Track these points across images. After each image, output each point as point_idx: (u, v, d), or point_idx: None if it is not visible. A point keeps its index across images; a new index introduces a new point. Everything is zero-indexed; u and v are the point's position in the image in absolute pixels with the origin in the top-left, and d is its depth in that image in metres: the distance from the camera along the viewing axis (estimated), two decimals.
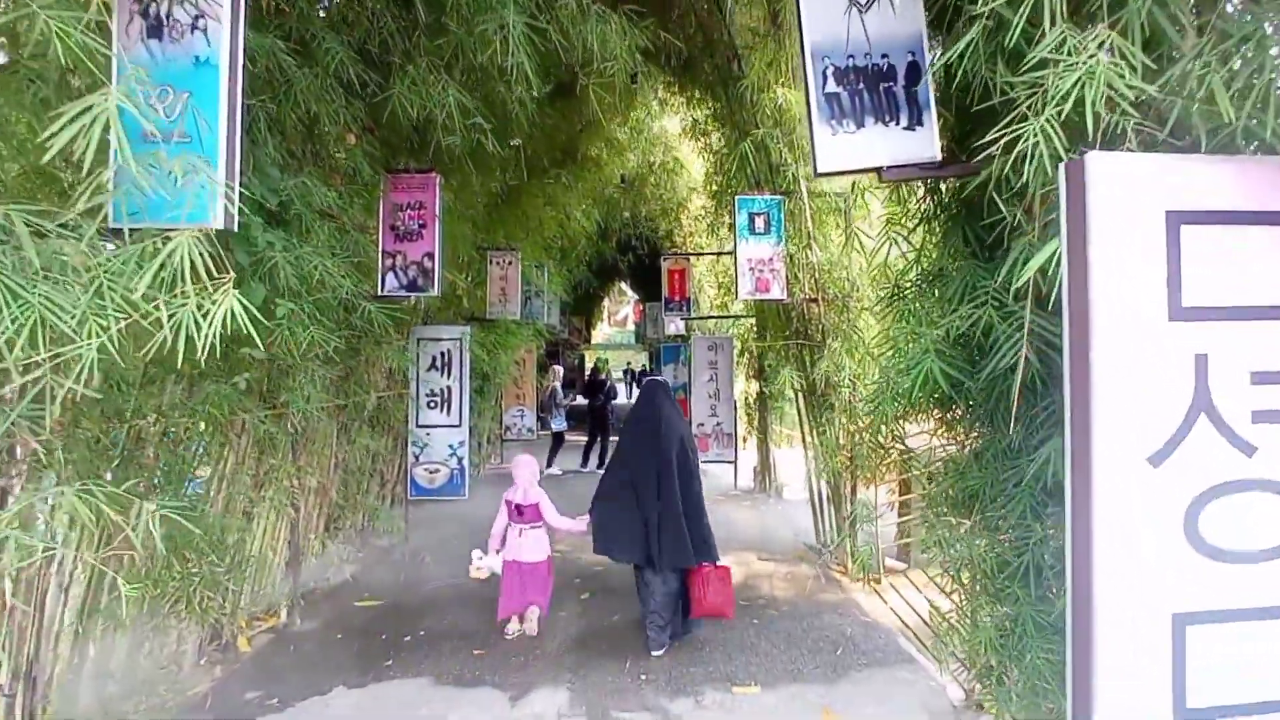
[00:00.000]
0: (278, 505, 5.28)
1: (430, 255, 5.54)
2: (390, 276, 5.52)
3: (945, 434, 3.35)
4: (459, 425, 7.83)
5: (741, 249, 6.57)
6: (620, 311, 50.25)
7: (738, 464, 10.95)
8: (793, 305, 7.08)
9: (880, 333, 4.32)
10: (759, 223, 6.55)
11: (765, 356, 10.02)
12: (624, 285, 36.12)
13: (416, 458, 7.80)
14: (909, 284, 3.37)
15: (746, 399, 11.76)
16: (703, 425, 10.82)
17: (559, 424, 12.98)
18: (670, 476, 5.02)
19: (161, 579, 3.81)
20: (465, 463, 7.85)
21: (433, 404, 7.81)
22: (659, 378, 6.14)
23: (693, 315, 11.67)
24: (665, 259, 11.31)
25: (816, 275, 6.68)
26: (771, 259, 6.56)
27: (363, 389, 6.43)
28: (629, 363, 31.10)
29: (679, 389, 16.09)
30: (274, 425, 4.74)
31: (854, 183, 6.71)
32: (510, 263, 9.93)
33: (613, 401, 14.20)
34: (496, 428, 13.95)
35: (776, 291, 6.57)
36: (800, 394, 7.52)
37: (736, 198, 6.59)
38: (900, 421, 3.46)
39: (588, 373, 22.90)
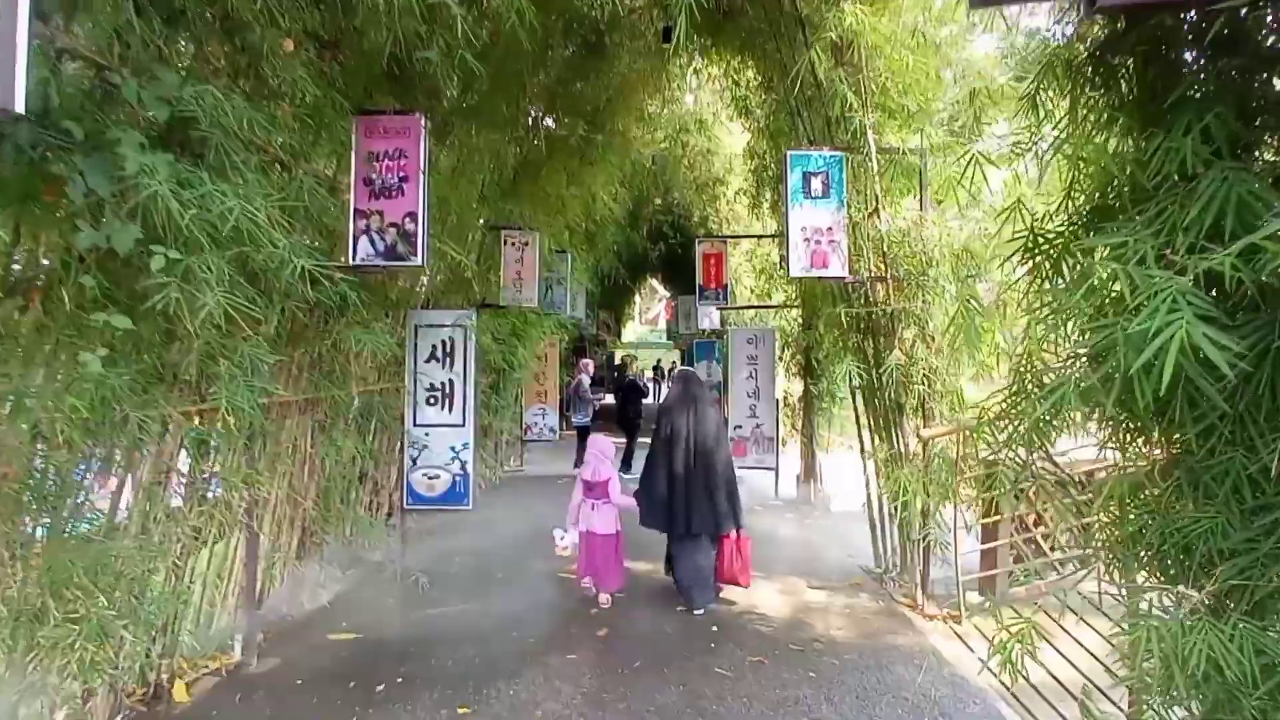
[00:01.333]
0: (227, 522, 4.28)
1: (413, 216, 4.51)
2: (364, 242, 4.51)
3: (1133, 445, 2.22)
4: (463, 425, 6.81)
5: (794, 216, 5.46)
6: (651, 309, 49.32)
7: (779, 470, 9.81)
8: (854, 286, 5.96)
9: (1016, 302, 3.21)
10: (815, 184, 5.44)
11: (814, 350, 8.89)
12: (655, 282, 35.21)
13: (414, 461, 6.80)
14: (1071, 223, 2.26)
15: (788, 399, 10.64)
16: (740, 428, 9.71)
17: (581, 419, 12.01)
18: (705, 453, 5.75)
19: (23, 629, 2.82)
20: (470, 468, 6.83)
21: (432, 400, 6.80)
22: (689, 368, 6.87)
23: (730, 305, 10.53)
24: (700, 243, 10.20)
25: (885, 249, 5.56)
26: (830, 228, 5.44)
27: (342, 381, 5.43)
28: (659, 360, 29.94)
29: (714, 388, 15.08)
30: (206, 424, 3.73)
31: (932, 136, 5.63)
32: (527, 244, 8.90)
33: (643, 399, 13.17)
34: (516, 428, 12.97)
35: (836, 267, 5.46)
36: (860, 392, 6.37)
37: (789, 153, 5.47)
38: (1051, 431, 2.32)
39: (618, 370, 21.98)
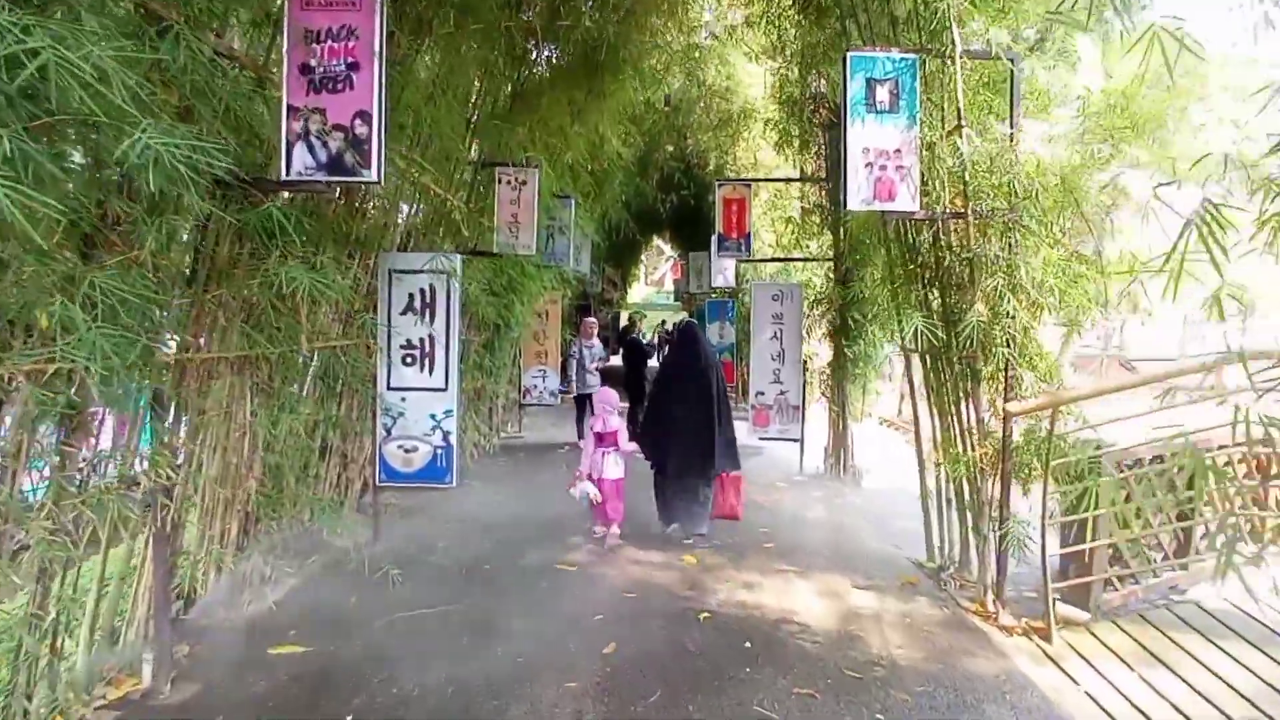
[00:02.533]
0: (118, 507, 3.27)
1: (365, 117, 3.43)
2: (301, 150, 3.43)
3: None
4: (445, 389, 5.79)
5: (854, 135, 4.36)
6: (658, 270, 48.03)
7: (804, 442, 8.80)
8: (921, 225, 4.89)
9: None
10: (881, 95, 4.33)
11: (850, 308, 7.81)
12: (661, 243, 33.85)
13: (388, 431, 5.79)
14: None
15: (809, 362, 9.59)
16: (762, 395, 8.70)
17: (583, 388, 10.71)
18: (707, 402, 6.01)
19: None
20: (454, 439, 5.83)
21: (409, 359, 5.77)
22: (692, 320, 7.34)
23: (753, 257, 9.43)
24: (721, 186, 9.05)
25: (967, 177, 4.46)
26: (899, 150, 4.35)
27: (290, 335, 4.38)
28: (662, 321, 28.79)
29: (724, 350, 14.09)
30: (62, 386, 2.70)
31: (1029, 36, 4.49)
32: (525, 183, 7.80)
33: (646, 360, 12.05)
34: (514, 391, 11.95)
35: (905, 199, 4.37)
36: (923, 356, 5.31)
37: (849, 55, 4.35)
38: None
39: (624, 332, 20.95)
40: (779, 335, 8.63)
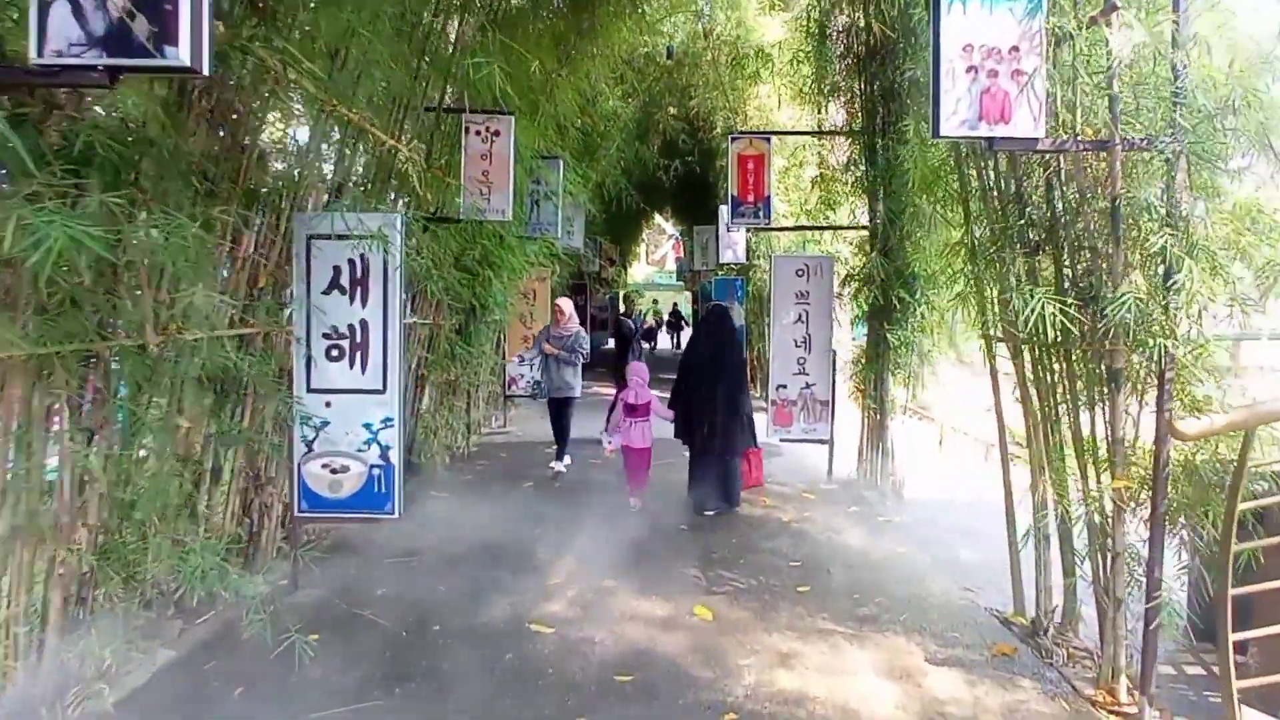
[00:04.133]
0: None
1: None
2: (60, 16, 2.04)
3: None
4: (383, 390, 4.43)
5: (950, 28, 2.96)
6: (660, 249, 46.51)
7: (834, 444, 7.45)
8: (1035, 162, 3.50)
9: None
10: None
11: (893, 284, 6.42)
12: (663, 222, 32.28)
13: (309, 446, 4.43)
14: None
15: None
16: (783, 388, 7.35)
17: (560, 389, 7.81)
18: (733, 384, 6.32)
19: None
20: (397, 455, 4.47)
21: (335, 352, 4.40)
22: (723, 304, 7.76)
23: (775, 225, 8.00)
24: (735, 140, 7.58)
25: (1116, 91, 3.06)
26: (1017, 49, 2.95)
27: (132, 321, 3.01)
28: (654, 301, 27.22)
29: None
30: None
31: None
32: (498, 134, 6.40)
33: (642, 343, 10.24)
34: (496, 382, 10.59)
35: (1024, 122, 2.97)
36: (1019, 347, 3.93)
37: None
38: None
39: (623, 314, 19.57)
40: (804, 318, 7.25)
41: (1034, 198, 3.62)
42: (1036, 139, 3.01)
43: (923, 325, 6.50)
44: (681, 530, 5.92)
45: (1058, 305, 3.11)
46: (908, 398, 6.99)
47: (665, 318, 28.36)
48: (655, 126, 13.49)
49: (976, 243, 4.15)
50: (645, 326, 24.39)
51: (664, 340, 25.26)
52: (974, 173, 4.05)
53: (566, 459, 7.93)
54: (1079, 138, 3.16)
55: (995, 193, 3.87)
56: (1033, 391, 3.87)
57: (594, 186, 12.27)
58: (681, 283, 30.05)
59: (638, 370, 6.70)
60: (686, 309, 26.77)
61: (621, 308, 18.34)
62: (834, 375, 7.28)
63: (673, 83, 12.41)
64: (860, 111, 6.89)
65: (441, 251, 7.24)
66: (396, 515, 4.53)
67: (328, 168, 5.03)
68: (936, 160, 4.45)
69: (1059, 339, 3.52)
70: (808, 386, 7.30)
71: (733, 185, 7.40)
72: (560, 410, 7.84)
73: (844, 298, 7.28)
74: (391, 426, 4.46)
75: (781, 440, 7.49)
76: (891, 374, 6.90)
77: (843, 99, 7.27)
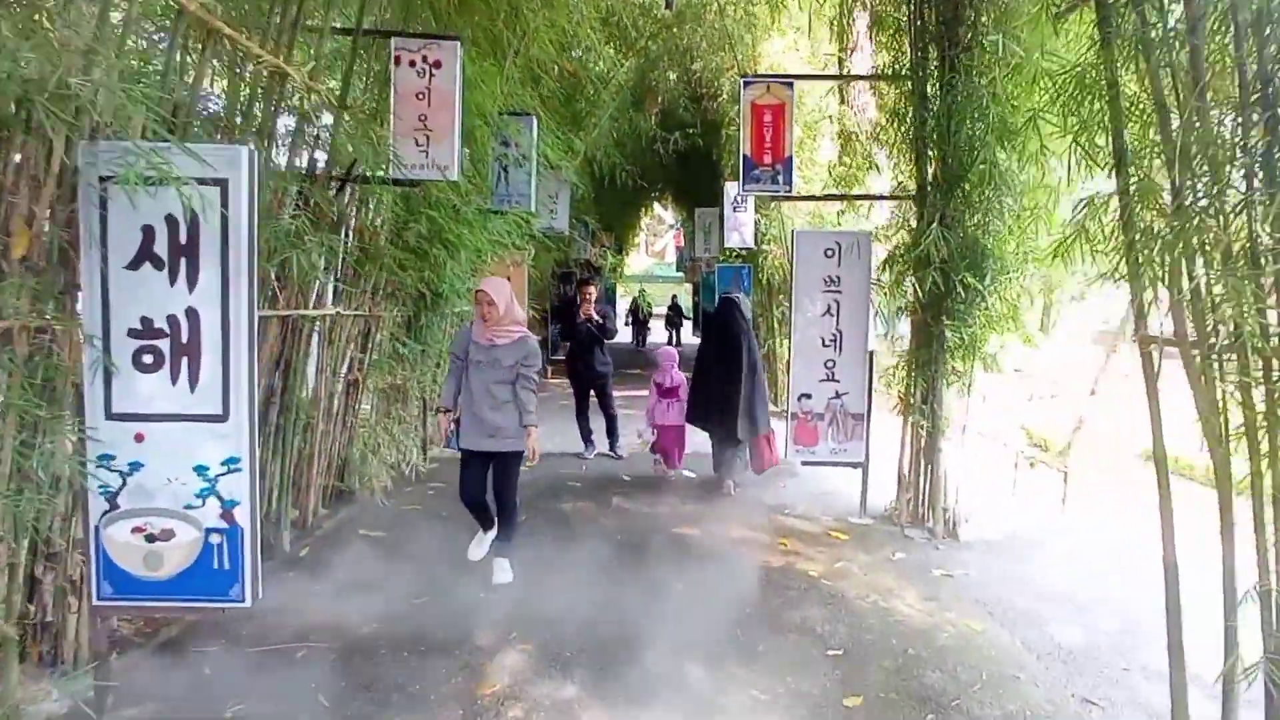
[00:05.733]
0: None
1: None
2: None
3: None
4: (224, 415, 2.92)
5: None
6: (660, 240, 44.92)
7: (868, 470, 5.94)
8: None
9: None
10: None
11: (956, 265, 4.90)
12: (663, 212, 30.52)
13: (110, 502, 2.92)
14: None
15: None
16: (808, 399, 5.87)
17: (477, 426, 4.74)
18: (747, 371, 6.24)
19: None
20: (249, 515, 2.97)
21: (148, 358, 2.89)
22: (735, 295, 6.84)
23: (793, 194, 6.40)
24: (749, 85, 5.93)
25: None
26: None
27: None
28: (641, 291, 24.60)
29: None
30: None
31: None
32: (438, 66, 4.89)
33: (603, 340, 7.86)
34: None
35: None
36: (1218, 351, 2.40)
37: None
38: None
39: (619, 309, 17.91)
40: (834, 309, 5.74)
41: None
42: None
43: (993, 320, 4.98)
44: (678, 592, 4.42)
45: None
46: (966, 412, 5.46)
47: (654, 311, 24.63)
48: (653, 93, 11.97)
49: (1134, 198, 2.62)
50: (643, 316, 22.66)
51: (658, 337, 23.01)
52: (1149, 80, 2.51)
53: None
54: None
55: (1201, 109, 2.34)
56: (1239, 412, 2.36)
57: (583, 161, 10.78)
58: (682, 274, 28.47)
59: (668, 354, 7.12)
60: (686, 301, 25.04)
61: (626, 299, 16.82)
62: (871, 382, 5.77)
63: (673, 41, 10.85)
64: (911, 48, 5.35)
65: (372, 222, 5.75)
66: (247, 602, 3.03)
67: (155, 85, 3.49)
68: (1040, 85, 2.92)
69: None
70: (838, 396, 5.79)
71: (745, 143, 5.85)
72: (476, 467, 4.52)
73: (883, 284, 5.75)
74: (239, 470, 2.96)
75: (804, 463, 5.99)
76: (946, 382, 5.38)
77: (885, 33, 5.72)
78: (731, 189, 10.46)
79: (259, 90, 3.91)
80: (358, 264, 5.61)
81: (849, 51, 8.23)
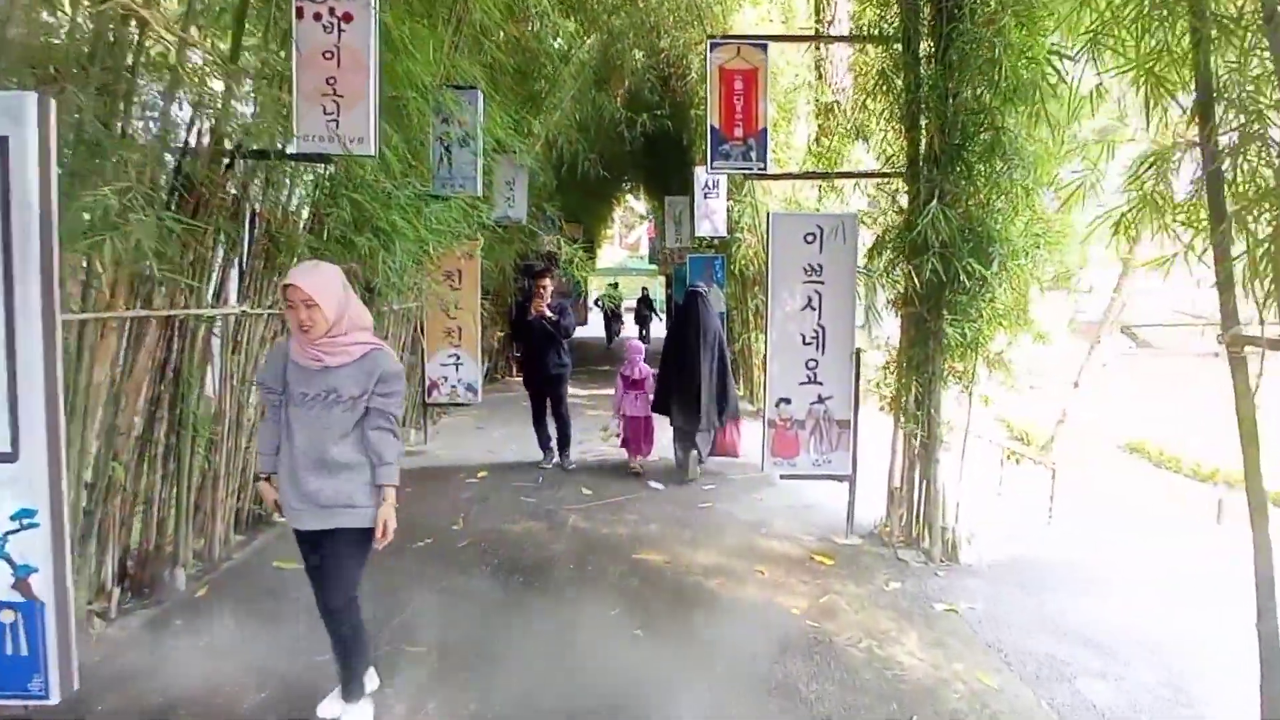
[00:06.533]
0: None
1: None
2: None
3: None
4: (14, 456, 2.17)
5: None
6: (633, 233, 44.18)
7: (855, 481, 5.26)
8: None
9: None
10: None
11: (966, 249, 4.22)
12: (636, 204, 29.61)
13: None
14: None
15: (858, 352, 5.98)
16: (787, 404, 5.20)
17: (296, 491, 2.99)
18: (710, 361, 6.53)
19: None
20: (57, 587, 2.23)
21: None
22: (700, 287, 7.21)
23: (768, 173, 5.66)
24: (716, 48, 5.13)
25: None
26: None
27: None
28: (614, 285, 23.38)
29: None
30: None
31: None
32: (348, 19, 4.13)
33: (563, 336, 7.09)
34: (410, 389, 8.36)
35: None
36: None
37: None
38: None
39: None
40: (816, 302, 5.06)
41: None
42: None
43: (1000, 314, 4.31)
44: (635, 644, 3.72)
45: None
46: (967, 418, 4.80)
47: (622, 303, 22.80)
48: (618, 72, 11.23)
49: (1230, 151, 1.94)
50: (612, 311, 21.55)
51: (632, 332, 21.92)
52: None
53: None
54: None
55: None
56: None
57: (544, 146, 10.03)
58: (655, 266, 27.76)
59: (635, 346, 7.23)
60: (659, 295, 24.26)
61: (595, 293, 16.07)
62: (857, 384, 5.10)
63: (638, 15, 10.10)
64: (899, 1, 4.66)
65: (284, 206, 5.00)
66: (53, 698, 2.29)
67: None
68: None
69: None
70: (821, 401, 5.12)
71: (713, 114, 5.13)
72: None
73: (872, 273, 5.07)
74: (36, 526, 2.22)
75: (783, 477, 5.31)
76: (944, 384, 4.71)
77: None
78: (701, 176, 9.76)
79: (106, 38, 3.15)
80: (268, 255, 4.85)
81: (826, 23, 7.54)
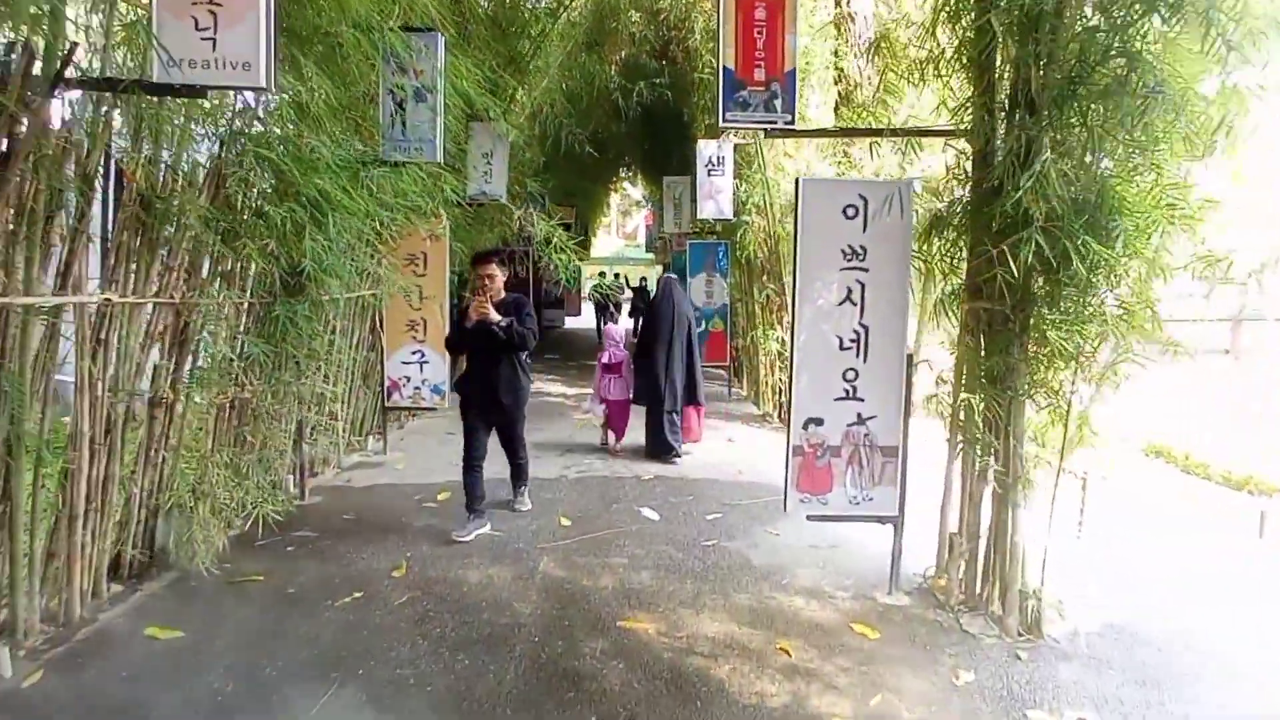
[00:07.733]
0: None
1: None
2: None
3: None
4: None
5: None
6: (632, 221, 43.07)
7: (901, 524, 4.11)
8: None
9: None
10: None
11: (1077, 224, 3.05)
12: (633, 191, 28.28)
13: None
14: None
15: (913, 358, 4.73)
16: (818, 425, 4.06)
17: None
18: (682, 346, 7.07)
19: None
20: None
21: None
22: (672, 275, 7.95)
23: (795, 128, 4.42)
24: None
25: None
26: None
27: None
28: (606, 274, 22.11)
29: (710, 316, 9.67)
30: None
31: None
32: None
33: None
34: (368, 391, 7.23)
35: None
36: None
37: None
38: None
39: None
40: (856, 295, 3.92)
41: None
42: None
43: (1121, 314, 3.15)
44: None
45: None
46: (1062, 451, 3.65)
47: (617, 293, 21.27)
48: (613, 36, 10.03)
49: None
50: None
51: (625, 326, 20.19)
52: None
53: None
54: None
55: None
56: None
57: (530, 118, 8.87)
58: (652, 254, 26.55)
59: (612, 333, 7.57)
60: (654, 284, 22.96)
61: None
62: (908, 401, 3.96)
63: None
64: None
65: (160, 164, 3.84)
66: None
67: None
68: None
69: None
70: (861, 421, 3.99)
71: (726, 51, 3.96)
72: None
73: (933, 258, 3.92)
74: None
75: (810, 518, 4.15)
76: (1034, 403, 3.57)
77: None
78: (705, 149, 8.58)
79: None
80: (143, 227, 3.70)
81: None
